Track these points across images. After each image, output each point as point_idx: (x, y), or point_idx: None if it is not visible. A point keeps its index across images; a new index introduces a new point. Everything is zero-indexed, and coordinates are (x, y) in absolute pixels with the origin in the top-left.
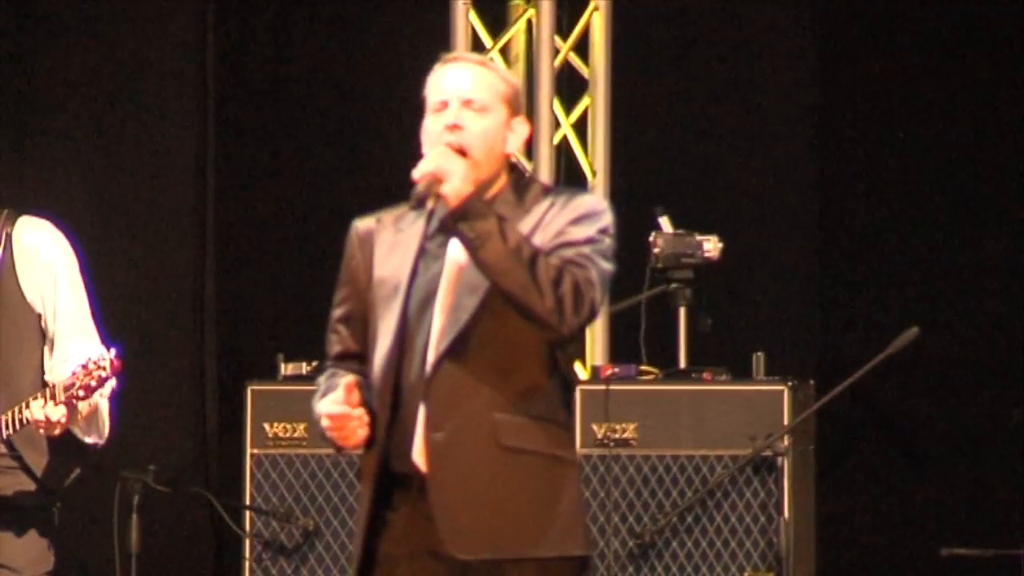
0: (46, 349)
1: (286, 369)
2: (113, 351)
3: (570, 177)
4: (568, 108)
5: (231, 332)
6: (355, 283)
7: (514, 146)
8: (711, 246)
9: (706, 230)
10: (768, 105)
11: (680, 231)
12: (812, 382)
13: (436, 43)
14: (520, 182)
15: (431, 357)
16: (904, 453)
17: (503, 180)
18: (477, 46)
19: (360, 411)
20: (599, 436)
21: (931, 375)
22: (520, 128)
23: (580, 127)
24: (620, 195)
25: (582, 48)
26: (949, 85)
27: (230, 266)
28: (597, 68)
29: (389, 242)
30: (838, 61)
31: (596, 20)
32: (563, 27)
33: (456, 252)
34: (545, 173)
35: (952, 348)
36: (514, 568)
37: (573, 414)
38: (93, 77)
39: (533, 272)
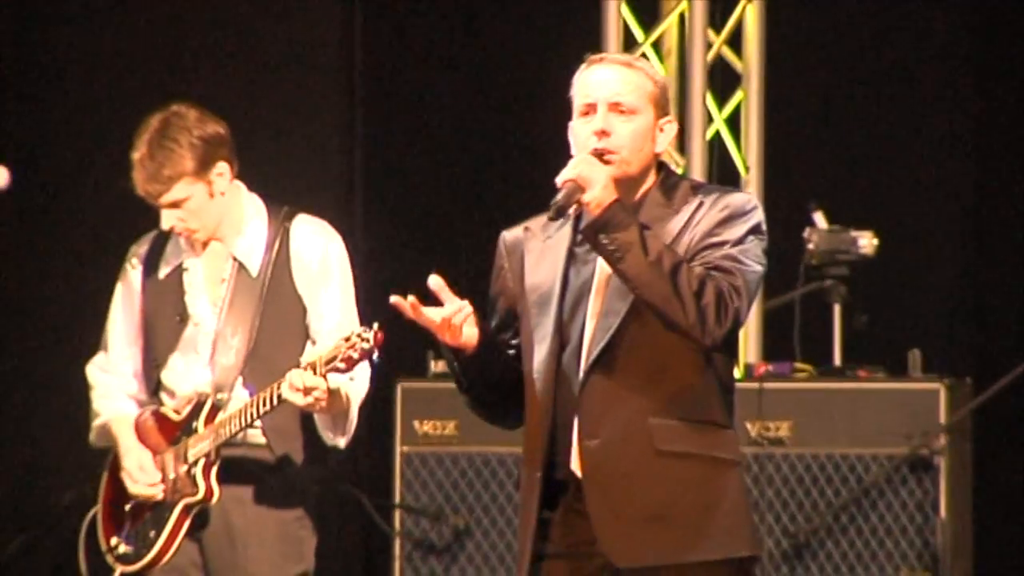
0: (308, 346)
1: (436, 366)
2: (376, 325)
3: (723, 173)
4: (721, 103)
5: (380, 330)
6: (506, 293)
7: (662, 146)
8: (866, 242)
9: (861, 226)
10: (924, 99)
11: (835, 227)
12: (969, 379)
13: (588, 39)
14: (668, 181)
15: (583, 364)
16: None
17: (652, 180)
18: (629, 41)
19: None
20: (753, 434)
21: None
22: (668, 128)
23: (733, 122)
24: (774, 191)
25: (735, 42)
26: None
27: (378, 263)
28: (750, 62)
29: (538, 249)
30: (996, 54)
31: (749, 13)
32: (716, 21)
33: None
34: (697, 169)
35: None
36: (673, 572)
37: (733, 414)
38: (239, 71)
39: (675, 283)
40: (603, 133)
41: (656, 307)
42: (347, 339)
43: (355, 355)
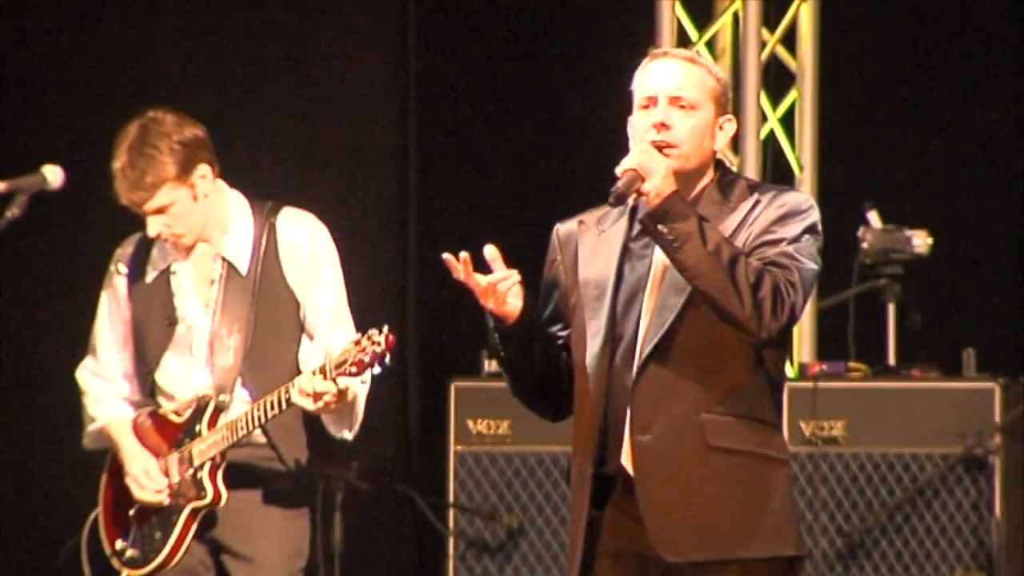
0: (304, 339)
1: (489, 365)
2: (386, 328)
3: (777, 172)
4: (775, 102)
5: (434, 329)
6: (558, 285)
7: (721, 144)
8: (920, 241)
9: (916, 225)
10: (978, 97)
11: (889, 226)
12: (1023, 379)
13: (642, 37)
14: (725, 179)
15: (637, 359)
16: None
17: (709, 177)
18: (683, 40)
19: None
20: (807, 434)
21: None
22: (728, 126)
23: (787, 121)
24: (828, 190)
25: (789, 41)
26: None
27: (433, 263)
28: (805, 61)
29: (592, 243)
30: None
31: (804, 12)
32: (770, 19)
33: (661, 251)
34: (752, 168)
35: None
36: (721, 569)
37: (782, 412)
38: (294, 71)
39: (732, 275)
40: (663, 126)
41: (713, 298)
42: (357, 343)
43: (366, 359)
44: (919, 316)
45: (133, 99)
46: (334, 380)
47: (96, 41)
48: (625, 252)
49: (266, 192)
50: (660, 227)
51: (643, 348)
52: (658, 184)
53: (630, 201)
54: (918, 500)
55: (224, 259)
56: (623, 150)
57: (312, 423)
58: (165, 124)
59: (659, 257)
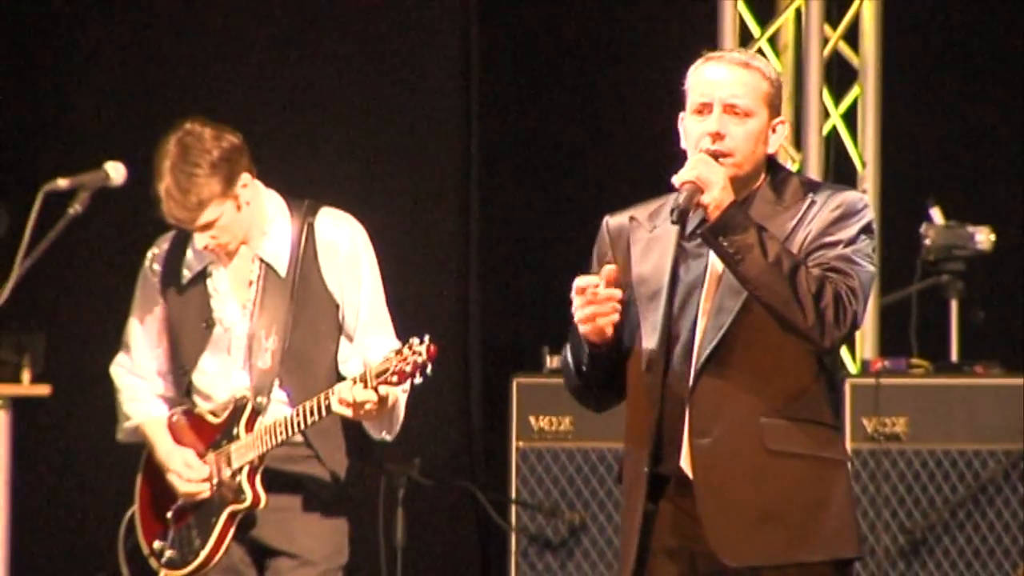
0: (342, 341)
1: (551, 362)
2: (427, 337)
3: (839, 169)
4: (837, 98)
5: (496, 325)
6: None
7: (774, 147)
8: (983, 238)
9: (978, 221)
10: None
11: (952, 223)
12: None
13: (704, 34)
14: (778, 177)
15: (695, 362)
16: None
17: (761, 178)
18: (745, 36)
19: (617, 292)
20: (869, 430)
21: None
22: (780, 129)
23: (850, 117)
24: (890, 187)
25: (852, 37)
26: None
27: (495, 259)
28: (867, 57)
29: (645, 240)
30: None
31: (866, 8)
32: (833, 16)
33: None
34: (814, 164)
35: None
36: (778, 571)
37: (840, 414)
38: (359, 74)
39: (794, 286)
40: (717, 136)
41: (775, 309)
42: (399, 352)
43: (408, 369)
44: (982, 312)
45: (187, 102)
46: (375, 389)
47: (150, 45)
48: (680, 251)
49: (326, 194)
50: (720, 239)
51: (701, 351)
52: (717, 196)
53: (691, 214)
54: (980, 497)
55: (263, 261)
56: (678, 145)
57: (351, 423)
58: (205, 139)
59: (715, 258)
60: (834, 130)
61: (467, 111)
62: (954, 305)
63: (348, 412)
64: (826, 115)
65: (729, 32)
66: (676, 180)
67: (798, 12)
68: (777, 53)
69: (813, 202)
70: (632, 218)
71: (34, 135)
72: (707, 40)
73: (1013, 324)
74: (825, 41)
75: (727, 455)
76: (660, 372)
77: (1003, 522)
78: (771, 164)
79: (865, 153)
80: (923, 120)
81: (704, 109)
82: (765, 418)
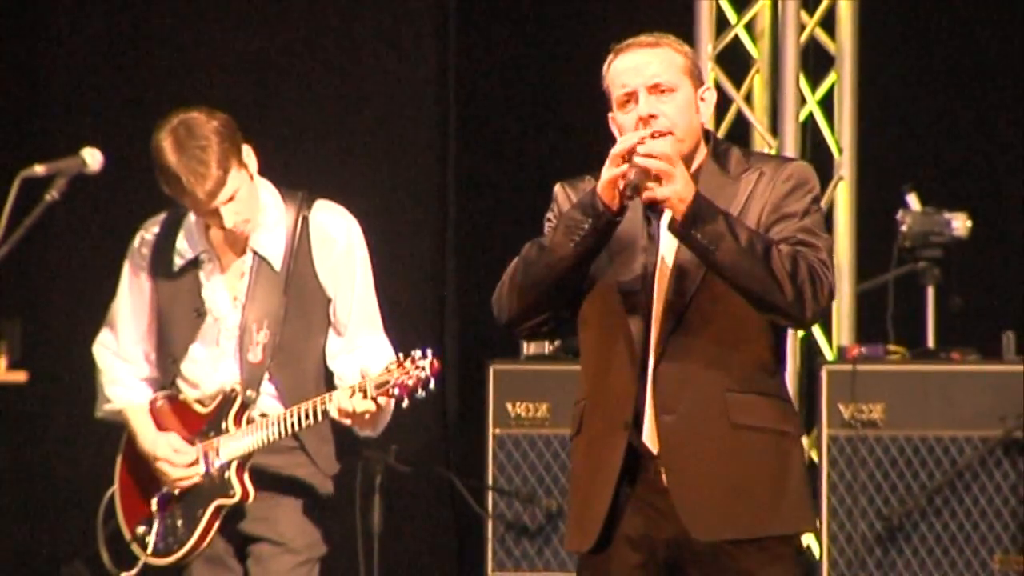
0: (331, 334)
1: (528, 348)
2: (431, 351)
3: (816, 155)
4: (814, 85)
5: (472, 312)
6: None
7: (707, 115)
8: (960, 224)
9: (955, 208)
10: (1017, 80)
11: (928, 209)
12: None
13: (679, 21)
14: (718, 149)
15: (655, 336)
16: None
17: (703, 152)
18: (721, 23)
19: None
20: (846, 417)
21: None
22: (709, 96)
23: (826, 104)
24: (867, 173)
25: (828, 24)
26: None
27: (471, 246)
28: (844, 44)
29: None
30: None
31: None
32: (809, 3)
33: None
34: (791, 151)
35: None
36: (735, 547)
37: (787, 387)
38: (336, 67)
39: (769, 267)
40: (651, 117)
41: (753, 292)
42: (400, 364)
43: (411, 383)
44: (958, 299)
45: (165, 88)
46: (374, 399)
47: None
48: (639, 230)
49: (305, 183)
50: (692, 232)
51: (662, 327)
52: (680, 189)
53: (640, 196)
54: (957, 483)
55: (256, 253)
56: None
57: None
58: (199, 118)
59: (669, 237)
60: (811, 117)
61: (445, 102)
62: (931, 291)
63: (347, 421)
64: (803, 102)
65: (705, 19)
66: (603, 179)
67: None
68: (754, 40)
69: (762, 173)
70: (591, 181)
71: (10, 122)
72: (684, 26)
73: (990, 310)
74: (802, 28)
75: (694, 431)
76: (641, 342)
77: (979, 508)
78: (708, 137)
79: (842, 140)
80: (900, 107)
81: (630, 99)
82: (729, 392)
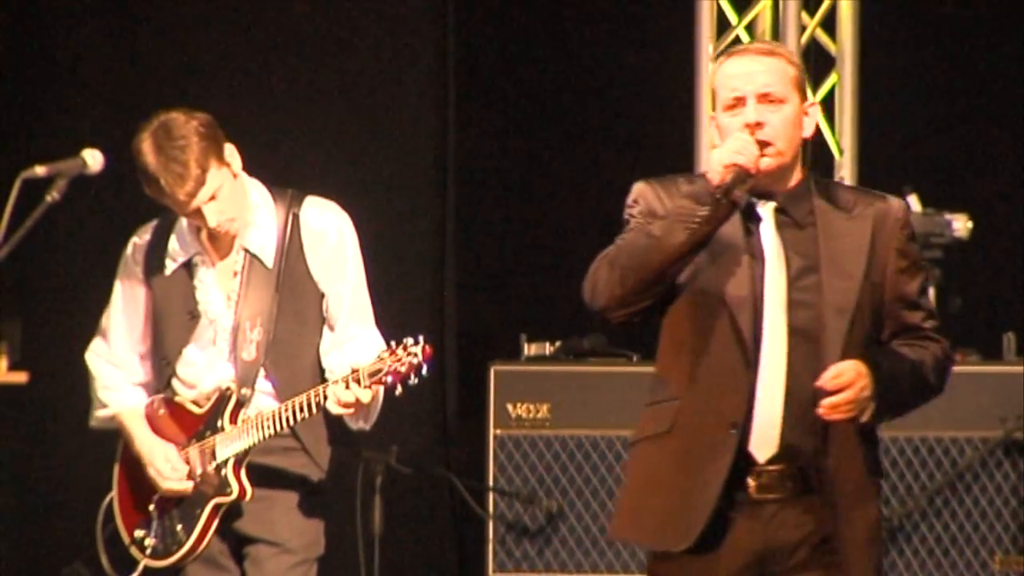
0: (324, 330)
1: (529, 349)
2: (421, 338)
3: (816, 156)
4: (815, 86)
5: (472, 312)
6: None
7: (809, 130)
8: (960, 225)
9: (955, 209)
10: (1018, 81)
11: (929, 210)
12: None
13: (680, 21)
14: (821, 183)
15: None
16: None
17: (799, 172)
18: (722, 24)
19: None
20: None
21: None
22: (812, 111)
23: (827, 105)
24: (868, 174)
25: (829, 24)
26: None
27: (471, 247)
28: (845, 45)
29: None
30: None
31: None
32: (810, 3)
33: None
34: None
35: None
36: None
37: None
38: (335, 64)
39: (930, 394)
40: (757, 125)
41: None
42: (392, 352)
43: (403, 370)
44: (959, 300)
45: (164, 89)
46: (369, 388)
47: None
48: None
49: (303, 182)
50: (886, 417)
51: (792, 335)
52: (866, 403)
53: (736, 195)
54: (958, 484)
55: (247, 251)
56: (663, 142)
57: (329, 414)
58: (178, 118)
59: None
60: None
61: (444, 101)
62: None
63: (348, 411)
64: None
65: (706, 19)
66: (717, 160)
67: (775, 0)
68: (754, 41)
69: (881, 219)
70: (683, 182)
71: (10, 122)
72: (684, 27)
73: (990, 312)
74: (802, 29)
75: (844, 461)
76: (746, 340)
77: (980, 509)
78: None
79: (842, 140)
80: (900, 108)
81: (738, 103)
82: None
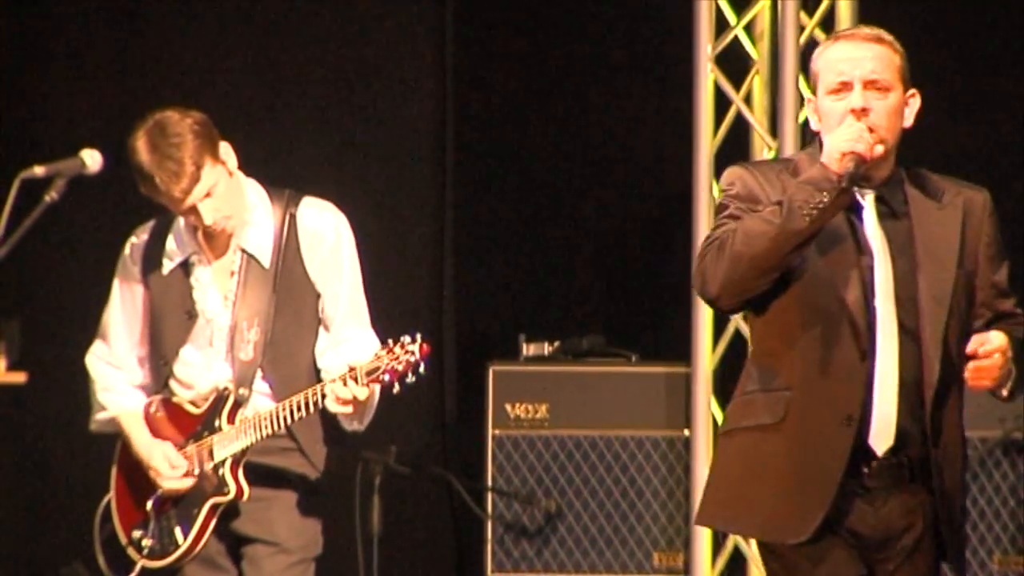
0: (320, 330)
1: (527, 349)
2: (419, 336)
3: None
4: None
5: (471, 312)
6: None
7: (910, 120)
8: None
9: None
10: (1016, 80)
11: None
12: None
13: (679, 21)
14: (911, 171)
15: (929, 342)
16: None
17: (893, 159)
18: (721, 23)
19: None
20: None
21: None
22: (913, 101)
23: None
24: None
25: (828, 24)
26: None
27: (469, 246)
28: None
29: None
30: None
31: None
32: (809, 3)
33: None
34: (790, 151)
35: None
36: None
37: None
38: (334, 66)
39: None
40: (863, 111)
41: None
42: (390, 350)
43: (400, 368)
44: None
45: (164, 89)
46: (366, 386)
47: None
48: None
49: (302, 183)
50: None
51: (934, 334)
52: (1006, 376)
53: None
54: None
55: (244, 251)
56: (657, 136)
57: (324, 414)
58: (172, 116)
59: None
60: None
61: (442, 102)
62: None
63: (347, 409)
64: (802, 103)
65: (705, 19)
66: (835, 148)
67: (774, 0)
68: (753, 41)
69: (968, 208)
70: (773, 168)
71: (10, 122)
72: (683, 26)
73: None
74: (801, 29)
75: (947, 451)
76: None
77: (978, 509)
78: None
79: None
80: None
81: (843, 88)
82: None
